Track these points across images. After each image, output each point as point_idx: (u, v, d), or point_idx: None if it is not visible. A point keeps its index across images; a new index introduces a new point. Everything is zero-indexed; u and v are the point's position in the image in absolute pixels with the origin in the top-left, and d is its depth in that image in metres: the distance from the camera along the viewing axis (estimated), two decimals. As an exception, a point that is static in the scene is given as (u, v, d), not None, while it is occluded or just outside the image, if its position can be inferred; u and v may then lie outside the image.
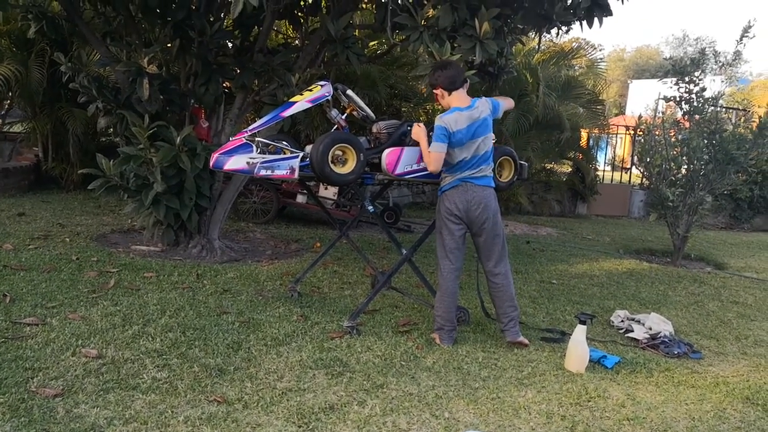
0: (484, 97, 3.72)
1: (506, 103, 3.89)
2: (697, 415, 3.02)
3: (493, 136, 3.75)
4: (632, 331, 4.26)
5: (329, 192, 7.48)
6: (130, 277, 4.56)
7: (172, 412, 2.62)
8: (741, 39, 6.93)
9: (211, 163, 3.70)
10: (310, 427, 2.60)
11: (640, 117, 8.45)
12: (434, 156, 3.60)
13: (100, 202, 7.68)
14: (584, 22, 4.79)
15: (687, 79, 7.00)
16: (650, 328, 4.24)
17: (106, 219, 6.79)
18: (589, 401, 3.09)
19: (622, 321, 4.46)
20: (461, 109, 3.62)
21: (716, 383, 3.45)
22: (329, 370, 3.19)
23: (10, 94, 8.35)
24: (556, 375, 3.40)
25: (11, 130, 9.61)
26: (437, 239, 3.83)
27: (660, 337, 4.09)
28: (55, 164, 8.53)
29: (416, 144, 3.91)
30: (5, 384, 2.71)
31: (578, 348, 3.50)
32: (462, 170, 3.67)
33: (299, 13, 5.96)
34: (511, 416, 2.86)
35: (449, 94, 3.66)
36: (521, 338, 3.80)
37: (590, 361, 3.55)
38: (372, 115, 4.12)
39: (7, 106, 9.49)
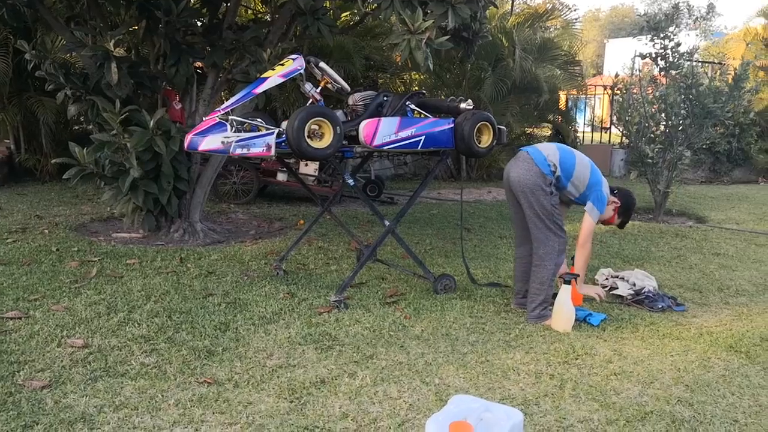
0: None
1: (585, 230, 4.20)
2: (683, 366, 3.08)
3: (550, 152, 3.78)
4: (617, 288, 4.30)
5: (310, 168, 7.43)
6: (113, 264, 4.51)
7: (163, 396, 2.62)
8: (714, -9, 6.91)
9: (185, 145, 3.63)
10: (302, 401, 2.61)
11: (617, 76, 8.44)
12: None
13: (77, 192, 7.56)
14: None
15: (662, 35, 6.97)
16: (634, 284, 4.28)
17: (85, 208, 6.69)
18: (577, 359, 3.13)
19: (607, 279, 4.51)
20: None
21: (700, 334, 3.51)
22: (318, 345, 3.19)
23: (-25, 86, 8.15)
24: (543, 335, 3.44)
25: (-20, 123, 9.42)
26: None
27: (644, 292, 4.14)
28: (29, 156, 8.38)
29: (394, 114, 3.88)
30: (-9, 379, 2.68)
31: (564, 308, 3.54)
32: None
33: (267, -13, 5.85)
34: (501, 378, 2.89)
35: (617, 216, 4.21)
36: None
37: (576, 320, 3.59)
38: (347, 86, 4.06)
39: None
